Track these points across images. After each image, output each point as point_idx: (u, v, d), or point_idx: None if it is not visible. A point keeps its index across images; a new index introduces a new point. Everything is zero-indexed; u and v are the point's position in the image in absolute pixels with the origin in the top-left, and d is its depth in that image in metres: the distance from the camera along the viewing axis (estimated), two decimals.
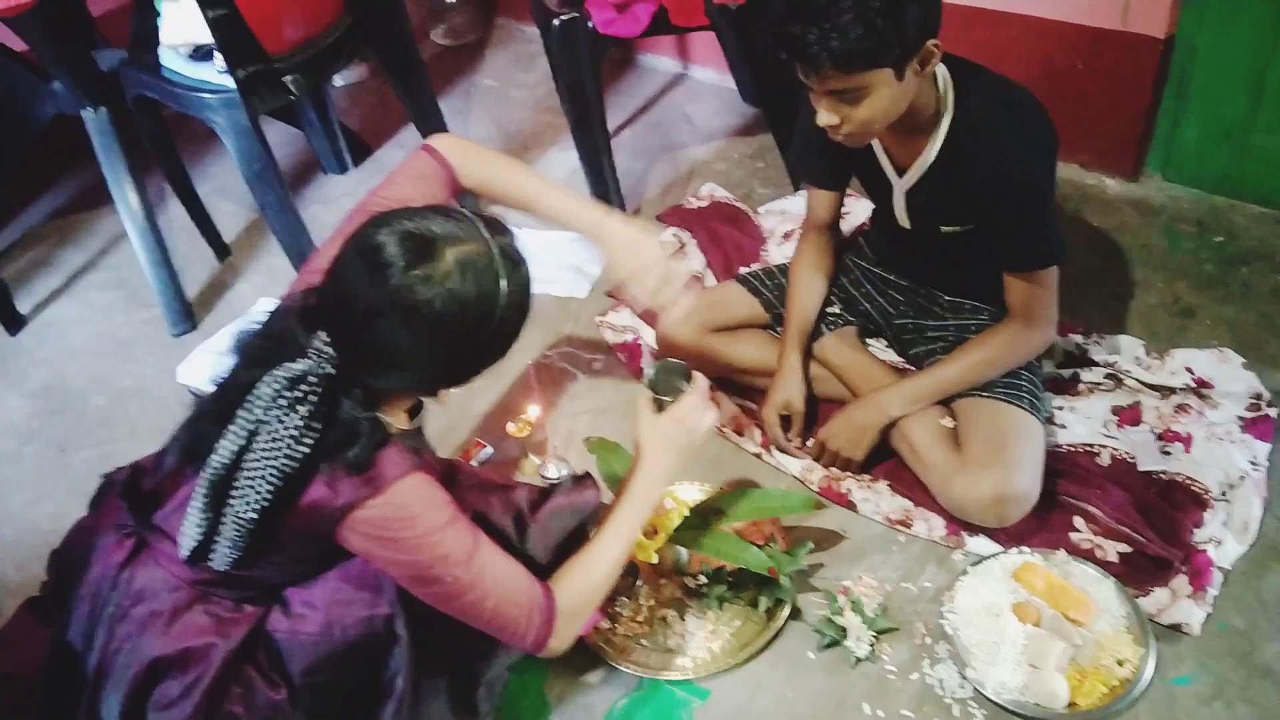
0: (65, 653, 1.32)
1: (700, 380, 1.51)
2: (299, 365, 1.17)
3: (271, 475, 1.15)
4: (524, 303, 1.23)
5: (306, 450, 1.16)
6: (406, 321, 1.12)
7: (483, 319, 1.17)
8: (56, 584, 1.42)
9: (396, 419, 1.29)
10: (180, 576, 1.28)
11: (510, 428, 1.91)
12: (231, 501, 1.17)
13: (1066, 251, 1.65)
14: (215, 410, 1.23)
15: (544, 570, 1.37)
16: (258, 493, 1.16)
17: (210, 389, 1.26)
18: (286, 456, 1.15)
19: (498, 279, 1.17)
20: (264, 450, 1.15)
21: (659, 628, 1.65)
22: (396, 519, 1.19)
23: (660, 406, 1.48)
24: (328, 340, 1.19)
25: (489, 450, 2.00)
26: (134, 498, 1.34)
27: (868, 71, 1.45)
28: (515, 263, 1.21)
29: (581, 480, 1.50)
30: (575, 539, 1.43)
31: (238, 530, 1.18)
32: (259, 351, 1.23)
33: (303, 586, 1.31)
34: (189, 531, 1.21)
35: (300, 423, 1.15)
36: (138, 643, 1.26)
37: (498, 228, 1.21)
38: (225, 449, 1.17)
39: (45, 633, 1.37)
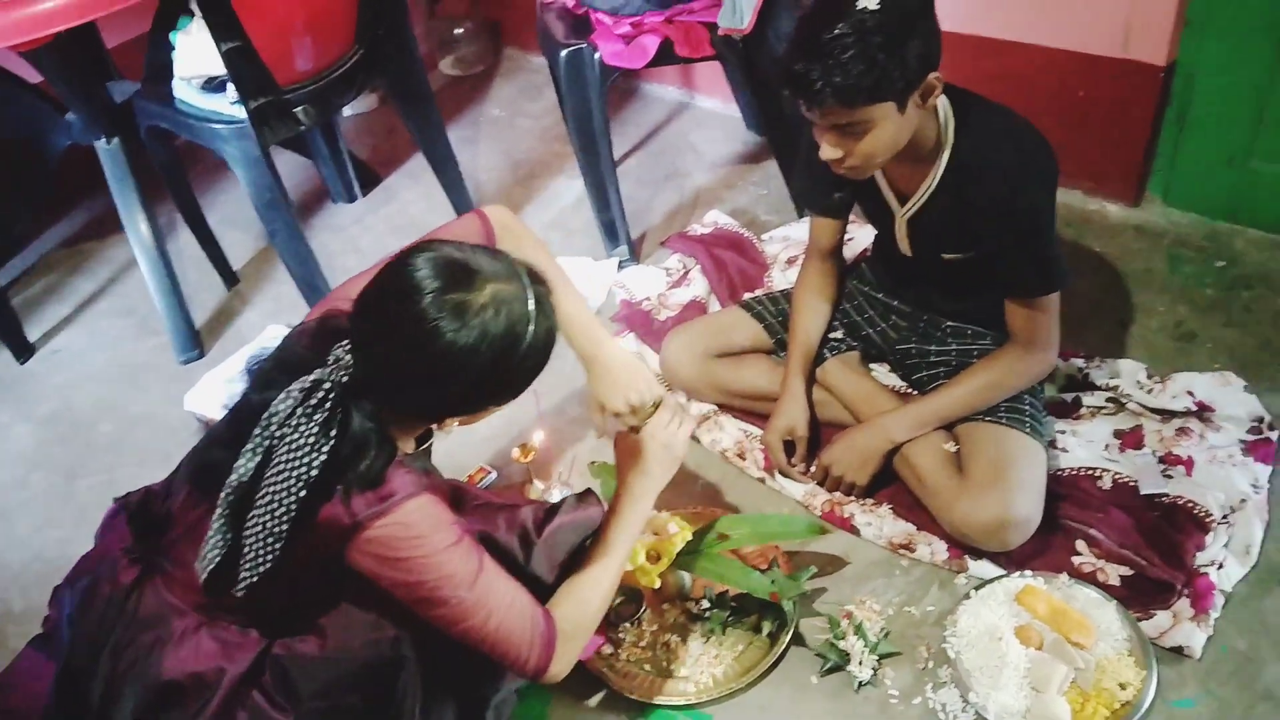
0: (69, 679, 1.33)
1: (670, 397, 1.51)
2: (314, 374, 1.19)
3: (296, 486, 1.17)
4: (546, 351, 1.25)
5: (324, 458, 1.17)
6: (430, 341, 1.14)
7: (503, 356, 1.18)
8: (59, 618, 1.42)
9: (404, 444, 1.31)
10: (187, 602, 1.29)
11: (514, 453, 1.93)
12: (254, 520, 1.18)
13: (1068, 278, 1.66)
14: (227, 435, 1.25)
15: (549, 589, 1.39)
16: (284, 505, 1.17)
17: (220, 415, 1.28)
18: (306, 465, 1.16)
19: (528, 323, 1.19)
20: (285, 462, 1.17)
21: (662, 653, 1.66)
22: (404, 539, 1.20)
23: (635, 430, 1.50)
24: (347, 349, 1.22)
25: (493, 475, 2.01)
26: (143, 523, 1.36)
27: (870, 106, 1.47)
28: (546, 313, 1.23)
29: (584, 497, 1.51)
30: (578, 556, 1.45)
31: (264, 547, 1.18)
32: (270, 375, 1.25)
33: (313, 611, 1.31)
34: (208, 554, 1.21)
35: (316, 429, 1.17)
36: (144, 668, 1.27)
37: (537, 277, 1.24)
38: (243, 467, 1.18)
39: (50, 668, 1.37)
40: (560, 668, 1.32)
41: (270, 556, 1.19)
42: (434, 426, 1.35)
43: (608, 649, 1.66)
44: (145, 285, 2.45)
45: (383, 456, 1.22)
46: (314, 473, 1.17)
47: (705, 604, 1.69)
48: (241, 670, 1.28)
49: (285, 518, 1.18)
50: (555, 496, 1.90)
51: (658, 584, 1.63)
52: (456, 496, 1.56)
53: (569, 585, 1.39)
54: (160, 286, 2.43)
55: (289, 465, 1.17)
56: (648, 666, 1.64)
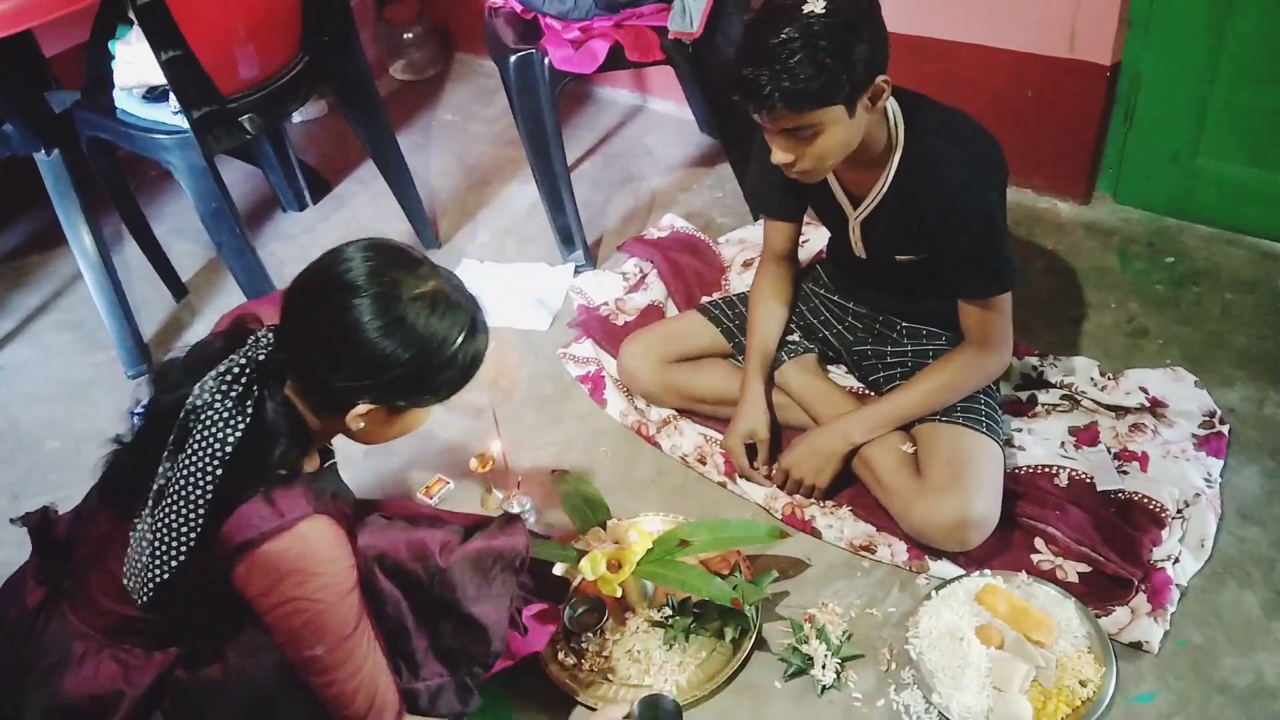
0: None
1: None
2: (231, 358, 1.17)
3: (212, 465, 1.13)
4: (468, 366, 1.24)
5: (239, 434, 1.14)
6: (353, 311, 1.14)
7: (430, 348, 1.18)
8: None
9: (308, 461, 1.28)
10: (93, 626, 1.26)
11: (472, 463, 1.90)
12: (168, 507, 1.14)
13: (1020, 278, 1.67)
14: (139, 443, 1.22)
15: (455, 613, 1.41)
16: (199, 487, 1.13)
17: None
18: (221, 442, 1.13)
19: (459, 326, 1.20)
20: (200, 441, 1.14)
21: (625, 661, 1.64)
22: (295, 565, 1.16)
23: None
24: (268, 331, 1.20)
25: (451, 486, 1.99)
26: (45, 544, 1.32)
27: (819, 110, 1.47)
28: (477, 331, 1.23)
29: (510, 523, 1.50)
30: (505, 582, 1.46)
31: (178, 538, 1.14)
32: (179, 377, 1.22)
33: (212, 634, 1.28)
34: (136, 558, 1.18)
35: (232, 404, 1.14)
36: (45, 692, 1.24)
37: (478, 304, 1.26)
38: (167, 466, 1.15)
39: None
40: None
41: (184, 548, 1.14)
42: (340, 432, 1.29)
43: (570, 659, 1.65)
44: (91, 299, 2.40)
45: (297, 445, 1.20)
46: (229, 449, 1.13)
47: (667, 611, 1.68)
48: (139, 693, 1.24)
49: (200, 502, 1.13)
50: (514, 507, 1.89)
51: (619, 592, 1.62)
52: (367, 508, 1.55)
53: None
54: (106, 300, 2.37)
55: (204, 443, 1.13)
56: (611, 675, 1.62)
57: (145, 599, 1.18)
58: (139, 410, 1.26)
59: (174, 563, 1.15)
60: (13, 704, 1.26)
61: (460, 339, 1.20)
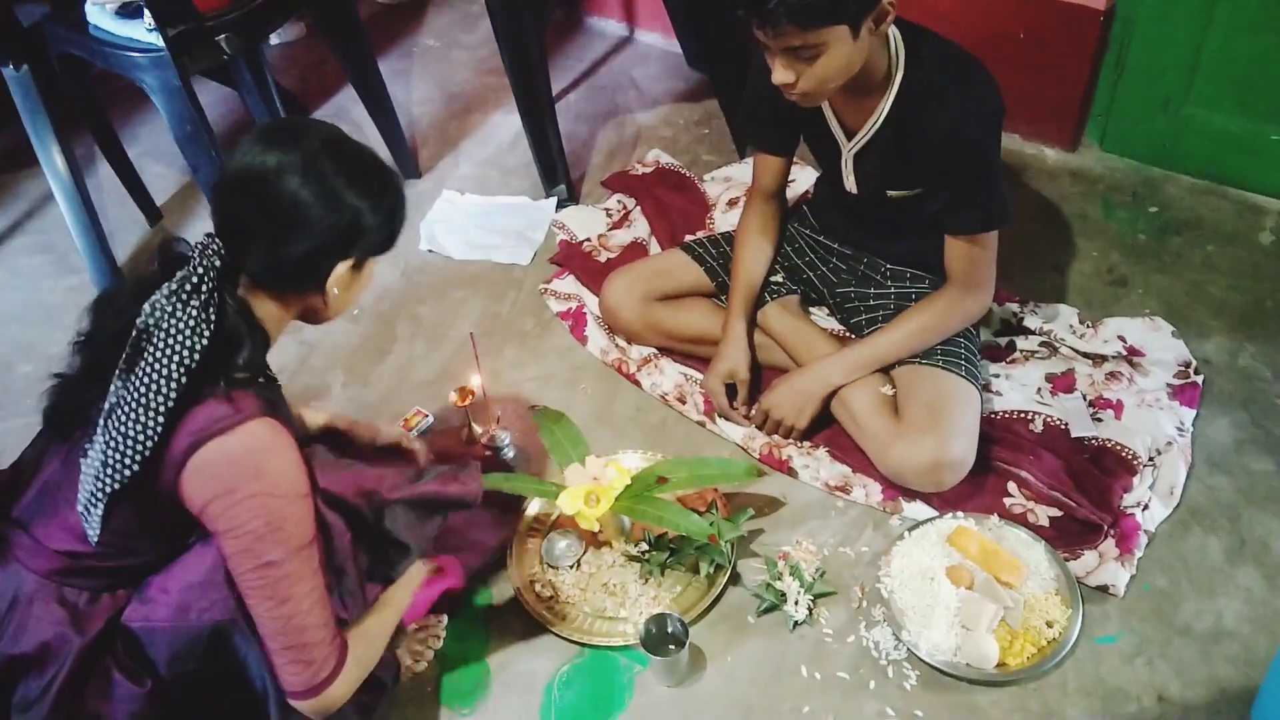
0: None
1: None
2: (180, 272, 1.16)
3: (177, 372, 1.12)
4: (399, 185, 1.28)
5: (205, 342, 1.14)
6: (273, 176, 1.17)
7: (363, 185, 1.22)
8: None
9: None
10: (35, 569, 1.24)
11: (452, 397, 1.90)
12: (121, 417, 1.13)
13: (1010, 215, 1.67)
14: (82, 372, 1.21)
15: (394, 551, 1.44)
16: (161, 393, 1.12)
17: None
18: (189, 349, 1.13)
19: (370, 156, 1.26)
20: (163, 349, 1.12)
21: (600, 595, 1.66)
22: (244, 466, 1.15)
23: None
24: (211, 237, 1.19)
25: (430, 419, 1.98)
26: None
27: (824, 28, 1.44)
28: (382, 161, 1.28)
29: (464, 471, 1.51)
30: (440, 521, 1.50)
31: (135, 445, 1.13)
32: (121, 303, 1.21)
33: (158, 574, 1.26)
34: (86, 483, 1.17)
35: (196, 310, 1.14)
36: None
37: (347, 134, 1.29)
38: (118, 386, 1.14)
39: None
40: (337, 694, 1.24)
41: (139, 456, 1.13)
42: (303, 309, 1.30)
43: (547, 591, 1.66)
44: (63, 220, 2.35)
45: (259, 346, 1.21)
46: (196, 356, 1.13)
47: (644, 546, 1.70)
48: (90, 639, 1.23)
49: (162, 410, 1.12)
50: (495, 441, 1.89)
51: (597, 527, 1.63)
52: (310, 446, 1.56)
53: (358, 624, 1.34)
54: (79, 222, 2.32)
55: (165, 354, 1.12)
56: (586, 608, 1.64)
57: (96, 525, 1.17)
58: (79, 341, 1.23)
59: (128, 470, 1.14)
60: None
61: (380, 165, 1.26)
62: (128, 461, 1.14)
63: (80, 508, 1.19)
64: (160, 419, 1.13)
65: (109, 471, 1.15)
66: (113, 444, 1.14)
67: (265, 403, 1.20)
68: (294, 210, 1.18)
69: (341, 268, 1.24)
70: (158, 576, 1.26)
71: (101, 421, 1.15)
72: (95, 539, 1.19)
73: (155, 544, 1.26)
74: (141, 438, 1.13)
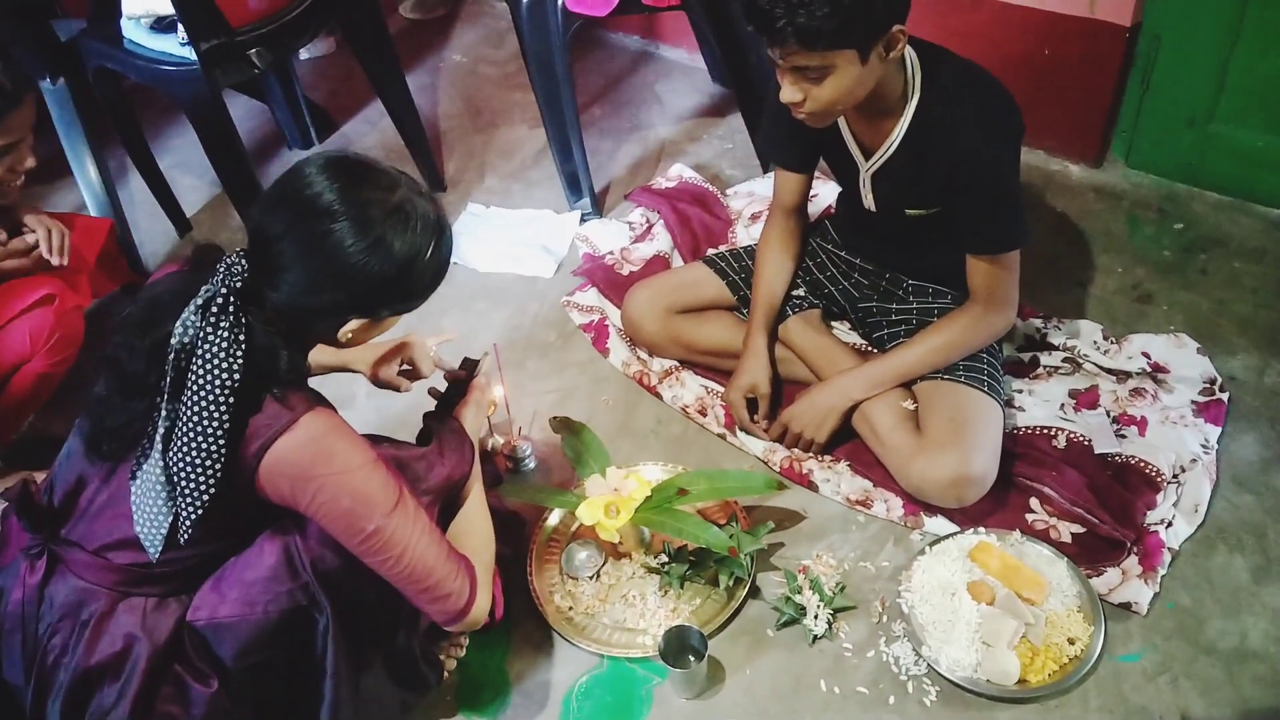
0: (6, 693, 1.31)
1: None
2: (203, 291, 1.17)
3: (223, 395, 1.14)
4: (442, 264, 1.27)
5: (241, 360, 1.15)
6: (335, 236, 1.15)
7: (409, 258, 1.20)
8: None
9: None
10: (99, 583, 1.26)
11: None
12: (180, 449, 1.15)
13: (1030, 236, 1.66)
14: (122, 391, 1.21)
15: None
16: (214, 420, 1.14)
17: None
18: (228, 370, 1.14)
19: (431, 230, 1.23)
20: (203, 375, 1.14)
21: (620, 606, 1.66)
22: (313, 453, 1.18)
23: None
24: (239, 256, 1.20)
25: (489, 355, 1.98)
26: (32, 516, 1.30)
27: (832, 51, 1.45)
28: (444, 229, 1.26)
29: (448, 443, 1.49)
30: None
31: (202, 474, 1.15)
32: (149, 321, 1.22)
33: (224, 570, 1.29)
34: (146, 505, 1.19)
35: (226, 332, 1.15)
36: (68, 659, 1.24)
37: (435, 200, 1.28)
38: (166, 411, 1.16)
39: None
40: (484, 603, 1.33)
41: (212, 480, 1.16)
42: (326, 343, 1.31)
43: (566, 602, 1.67)
44: None
45: (298, 355, 1.22)
46: (237, 376, 1.15)
47: (664, 558, 1.70)
48: (160, 643, 1.25)
49: (220, 432, 1.14)
50: (516, 452, 1.90)
51: (617, 538, 1.63)
52: None
53: (459, 531, 1.38)
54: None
55: (209, 378, 1.14)
56: (606, 620, 1.65)
57: (158, 545, 1.19)
58: (106, 361, 1.24)
59: (205, 496, 1.17)
60: (33, 681, 1.26)
61: (434, 243, 1.23)
62: (201, 489, 1.16)
63: (139, 529, 1.21)
64: (220, 442, 1.15)
65: (185, 502, 1.17)
66: (182, 474, 1.16)
67: (314, 395, 1.24)
68: (334, 270, 1.17)
69: (354, 322, 1.25)
70: (224, 573, 1.29)
71: (159, 447, 1.17)
72: (156, 558, 1.22)
73: (221, 545, 1.29)
74: (208, 463, 1.16)
